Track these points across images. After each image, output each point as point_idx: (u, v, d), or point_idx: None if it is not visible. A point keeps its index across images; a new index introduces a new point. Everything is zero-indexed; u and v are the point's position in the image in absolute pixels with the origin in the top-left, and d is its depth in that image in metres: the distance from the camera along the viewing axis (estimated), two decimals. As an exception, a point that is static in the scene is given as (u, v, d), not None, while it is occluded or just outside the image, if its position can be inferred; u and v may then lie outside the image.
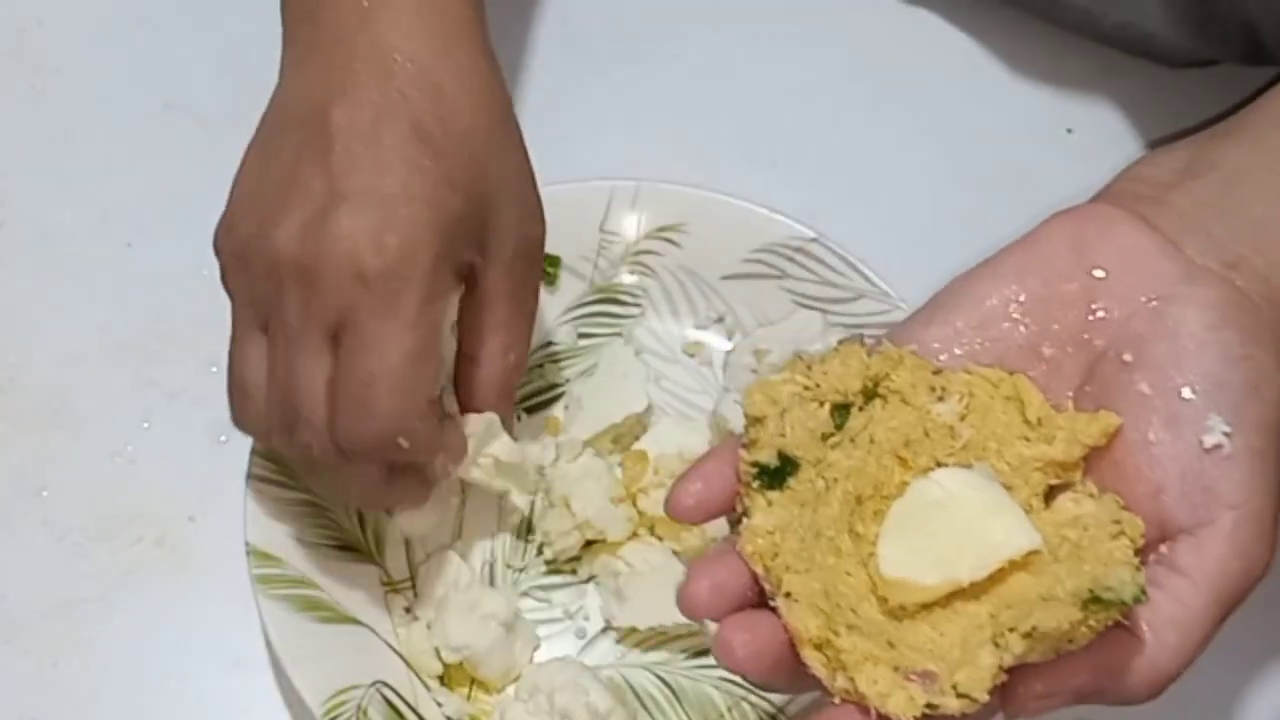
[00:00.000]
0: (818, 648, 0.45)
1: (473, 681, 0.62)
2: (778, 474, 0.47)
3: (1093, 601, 0.44)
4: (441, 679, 0.62)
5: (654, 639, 0.63)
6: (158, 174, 0.74)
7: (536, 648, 0.63)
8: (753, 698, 0.62)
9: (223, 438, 0.67)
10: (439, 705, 0.60)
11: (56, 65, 0.77)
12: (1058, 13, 0.77)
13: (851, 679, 0.44)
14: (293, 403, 0.55)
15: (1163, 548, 0.46)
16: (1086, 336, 0.49)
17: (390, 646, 0.61)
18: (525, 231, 0.59)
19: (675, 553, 0.64)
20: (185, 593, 0.64)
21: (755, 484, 0.47)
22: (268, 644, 0.61)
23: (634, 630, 0.63)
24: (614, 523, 0.64)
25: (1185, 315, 0.48)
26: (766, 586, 0.46)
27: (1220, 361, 0.47)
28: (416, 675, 0.61)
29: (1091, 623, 0.44)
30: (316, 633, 0.59)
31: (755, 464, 0.47)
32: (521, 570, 0.65)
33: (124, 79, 0.76)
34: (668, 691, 0.62)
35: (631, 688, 0.62)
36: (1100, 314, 0.49)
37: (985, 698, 0.43)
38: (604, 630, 0.64)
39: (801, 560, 0.46)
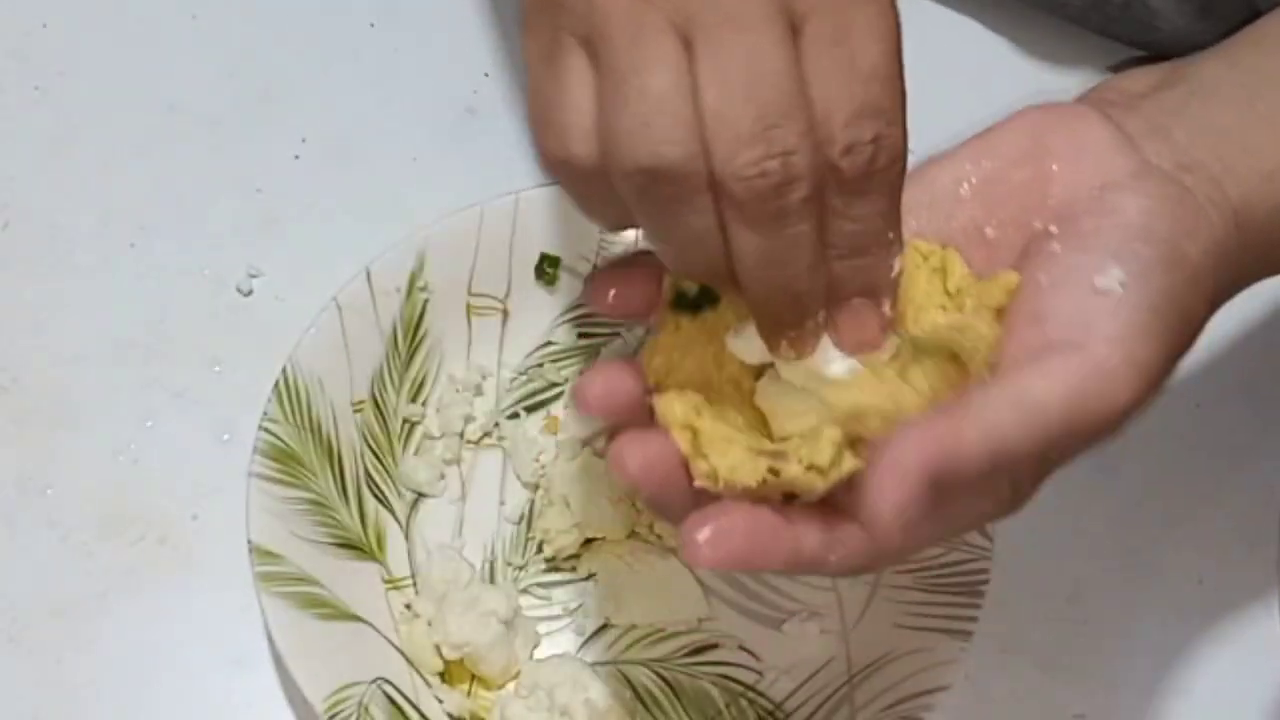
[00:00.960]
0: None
1: (473, 678, 0.62)
2: (695, 302, 0.48)
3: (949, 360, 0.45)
4: (442, 676, 0.62)
5: (653, 636, 0.63)
6: (161, 175, 0.74)
7: (536, 645, 0.63)
8: (750, 694, 0.62)
9: (225, 437, 0.67)
10: (440, 702, 0.60)
11: (60, 67, 0.77)
12: None
13: (706, 456, 0.44)
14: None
15: (1032, 361, 0.45)
16: (1028, 220, 0.49)
17: (391, 644, 0.62)
18: None
19: (674, 551, 0.65)
20: (188, 591, 0.64)
21: (672, 306, 0.48)
22: (270, 641, 0.61)
23: (633, 627, 0.63)
24: (613, 521, 0.64)
25: (1121, 200, 0.47)
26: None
27: (1140, 239, 0.46)
28: (417, 672, 0.61)
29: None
30: (318, 630, 0.60)
31: (677, 288, 0.48)
32: (521, 568, 0.65)
33: (127, 81, 0.77)
34: (666, 688, 0.63)
35: (630, 684, 0.63)
36: (1048, 202, 0.49)
37: (828, 467, 0.43)
38: (603, 627, 0.64)
39: (693, 383, 0.47)
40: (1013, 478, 0.46)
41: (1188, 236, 0.47)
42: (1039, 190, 0.49)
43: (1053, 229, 0.48)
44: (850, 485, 0.43)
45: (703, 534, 0.43)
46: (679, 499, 0.45)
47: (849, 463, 0.43)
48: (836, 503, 0.44)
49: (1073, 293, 0.46)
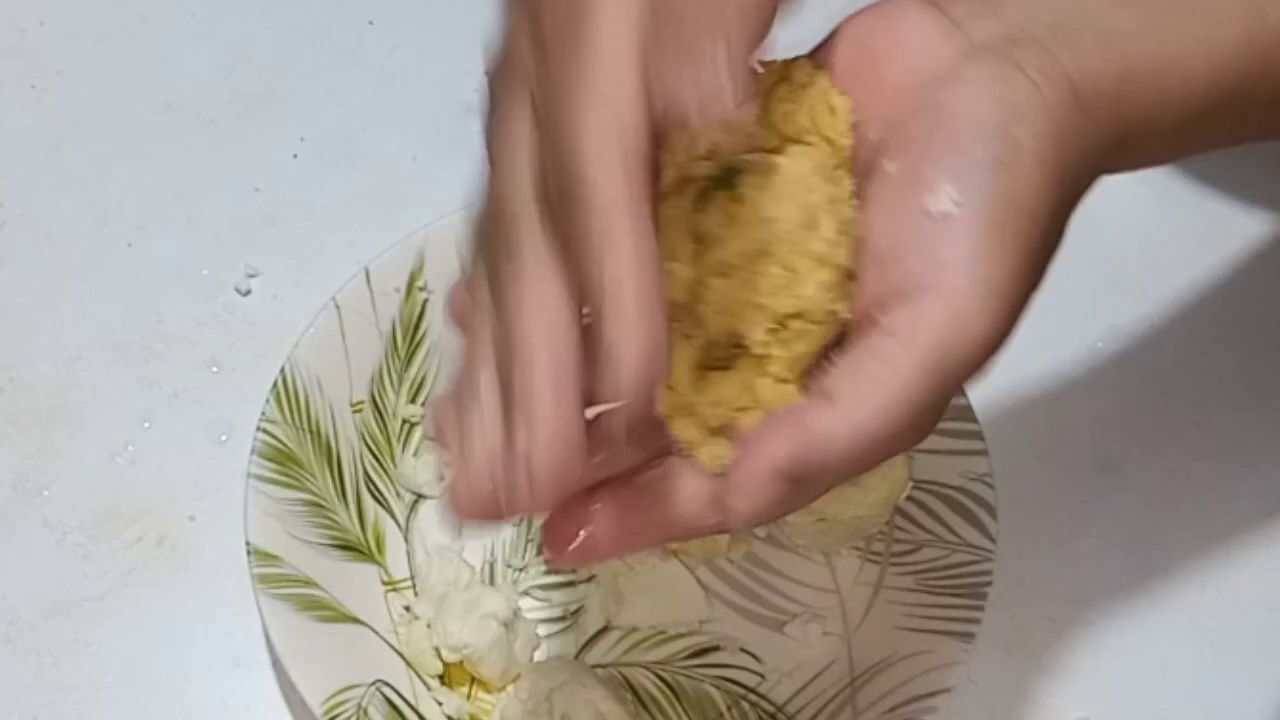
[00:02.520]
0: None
1: (473, 680, 0.62)
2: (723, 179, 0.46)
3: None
4: (442, 678, 0.62)
5: (653, 638, 0.63)
6: (158, 174, 0.74)
7: (536, 647, 0.63)
8: (752, 697, 0.62)
9: (223, 437, 0.67)
10: (439, 704, 0.60)
11: (57, 65, 0.77)
12: None
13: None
14: None
15: (882, 318, 0.44)
16: (863, 131, 0.46)
17: (390, 646, 0.61)
18: None
19: (675, 553, 0.64)
20: (185, 592, 0.64)
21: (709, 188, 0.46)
22: (268, 643, 0.61)
23: (634, 630, 0.63)
24: (614, 522, 0.64)
25: (945, 95, 0.45)
26: None
27: (970, 136, 0.44)
28: (417, 674, 0.61)
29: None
30: (317, 632, 0.59)
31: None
32: (521, 569, 0.65)
33: (125, 79, 0.77)
34: (667, 691, 0.62)
35: (631, 687, 0.62)
36: (878, 111, 0.46)
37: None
38: (604, 630, 0.64)
39: None
40: (893, 441, 0.44)
41: (1019, 121, 0.44)
42: (871, 100, 0.46)
43: (886, 139, 0.45)
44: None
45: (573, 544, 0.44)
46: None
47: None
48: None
49: (909, 224, 0.44)
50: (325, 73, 0.77)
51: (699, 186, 0.45)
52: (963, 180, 0.43)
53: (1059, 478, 0.68)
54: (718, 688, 0.62)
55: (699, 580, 0.64)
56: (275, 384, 0.63)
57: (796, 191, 0.44)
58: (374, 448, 0.66)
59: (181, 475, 0.67)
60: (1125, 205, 0.76)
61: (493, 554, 0.65)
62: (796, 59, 0.47)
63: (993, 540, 0.62)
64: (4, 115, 0.75)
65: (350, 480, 0.64)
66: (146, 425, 0.68)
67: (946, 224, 0.43)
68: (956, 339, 0.43)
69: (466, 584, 0.63)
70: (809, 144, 0.45)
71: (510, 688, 0.62)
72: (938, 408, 0.45)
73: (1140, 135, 0.47)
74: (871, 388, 0.43)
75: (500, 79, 0.45)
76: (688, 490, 0.44)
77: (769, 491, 0.42)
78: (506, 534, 0.65)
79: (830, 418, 0.42)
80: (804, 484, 0.43)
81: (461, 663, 0.61)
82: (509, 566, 0.65)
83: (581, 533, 0.44)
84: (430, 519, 0.65)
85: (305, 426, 0.63)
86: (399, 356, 0.67)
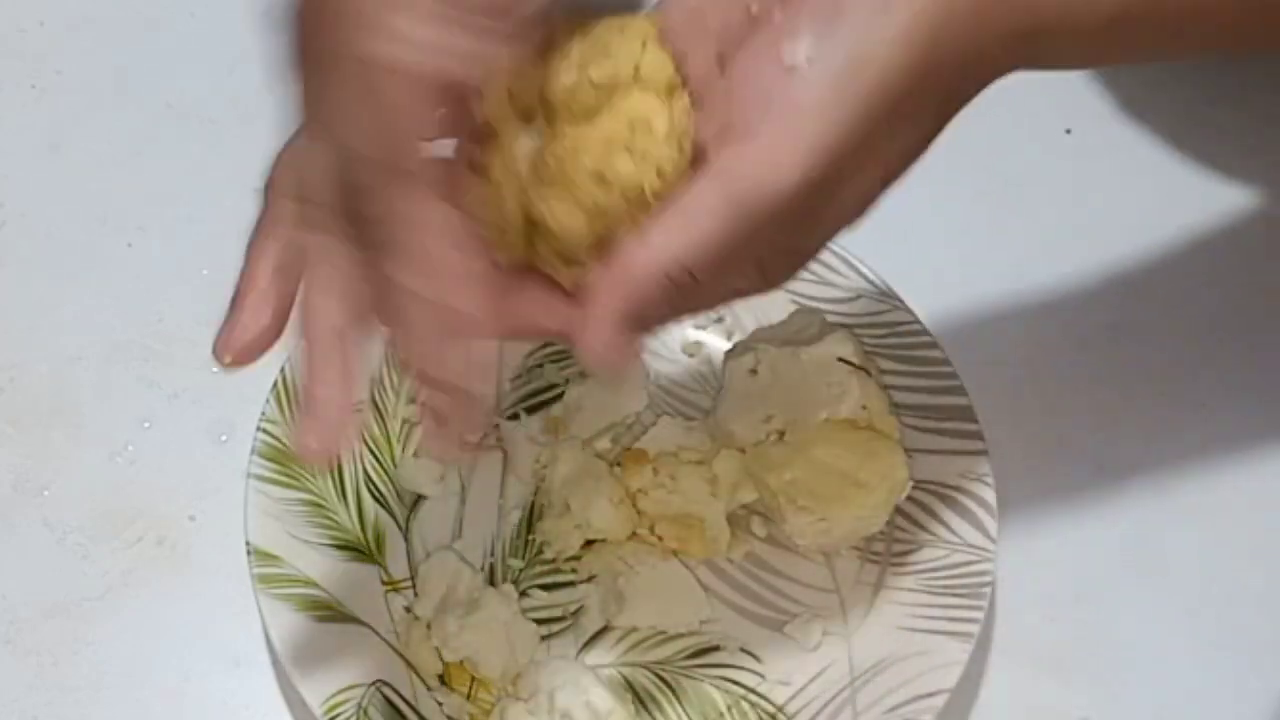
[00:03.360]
0: None
1: (473, 680, 0.62)
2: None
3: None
4: (442, 678, 0.62)
5: (653, 638, 0.63)
6: (158, 174, 0.74)
7: (536, 647, 0.63)
8: (752, 697, 0.62)
9: (223, 437, 0.67)
10: (439, 704, 0.60)
11: (57, 65, 0.77)
12: None
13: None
14: None
15: (711, 157, 0.46)
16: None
17: (391, 646, 0.61)
18: None
19: (675, 553, 0.64)
20: (186, 592, 0.64)
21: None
22: (268, 643, 0.61)
23: (634, 630, 0.63)
24: (614, 523, 0.64)
25: None
26: None
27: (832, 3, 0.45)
28: (417, 674, 0.61)
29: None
30: (317, 632, 0.59)
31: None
32: (521, 569, 0.65)
33: (125, 79, 0.76)
34: (668, 691, 0.62)
35: (631, 687, 0.62)
36: None
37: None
38: (604, 629, 0.64)
39: None
40: (724, 274, 0.47)
41: None
42: None
43: (754, 8, 0.47)
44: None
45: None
46: None
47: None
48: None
49: (760, 71, 0.45)
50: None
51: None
52: (823, 37, 0.45)
53: (1059, 478, 0.68)
54: (718, 688, 0.62)
55: (699, 580, 0.64)
56: (275, 384, 0.63)
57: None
58: (374, 448, 0.65)
59: (181, 475, 0.67)
60: (1126, 204, 0.76)
61: (493, 554, 0.65)
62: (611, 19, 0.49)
63: (993, 540, 0.62)
64: (4, 115, 0.75)
65: (350, 480, 0.64)
66: (146, 425, 0.68)
67: (791, 76, 0.45)
68: (765, 184, 0.45)
69: (466, 584, 0.63)
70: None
71: (510, 688, 0.62)
72: (751, 249, 0.47)
73: (1053, 31, 0.48)
74: (679, 220, 0.46)
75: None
76: (552, 300, 0.49)
77: (614, 334, 0.46)
78: (506, 534, 0.65)
79: (642, 257, 0.46)
80: (641, 318, 0.47)
81: (462, 663, 0.61)
82: (509, 566, 0.65)
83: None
84: (430, 519, 0.65)
85: (305, 426, 0.63)
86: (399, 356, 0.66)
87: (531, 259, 0.49)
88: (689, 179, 0.46)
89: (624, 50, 0.47)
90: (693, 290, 0.46)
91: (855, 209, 0.48)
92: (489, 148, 0.48)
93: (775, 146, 0.45)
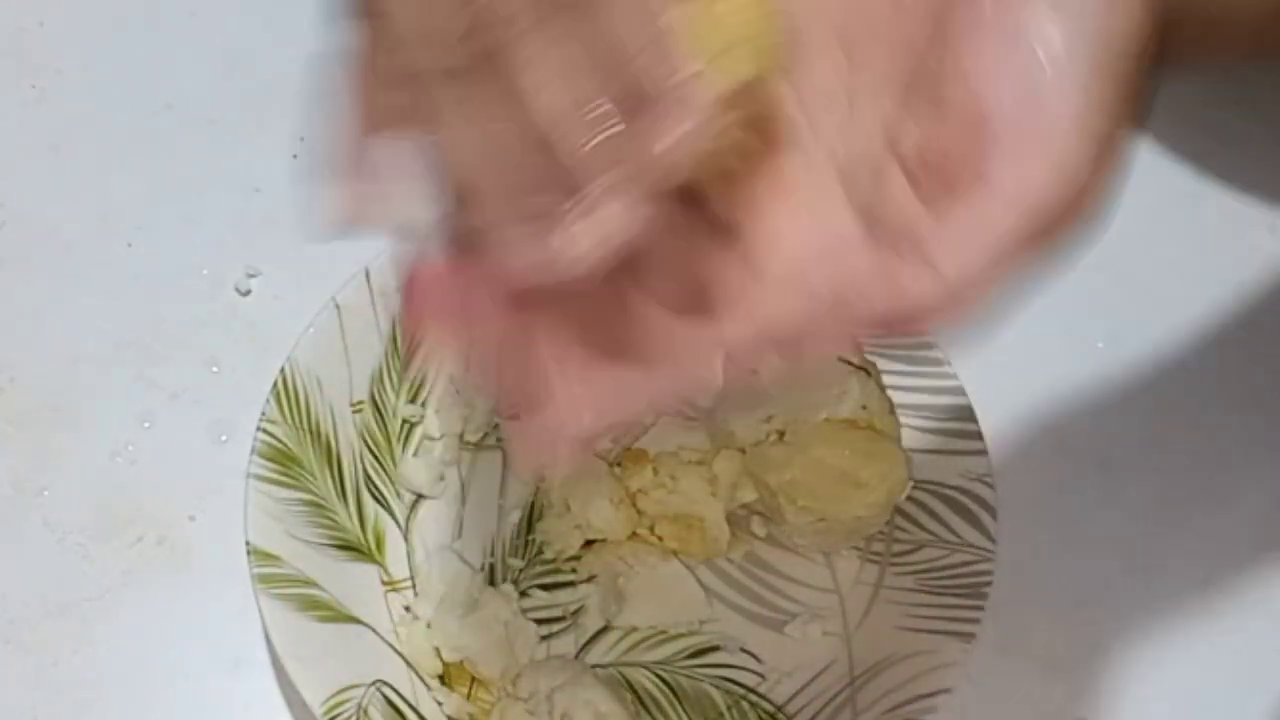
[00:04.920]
0: None
1: (473, 680, 0.62)
2: None
3: None
4: (442, 678, 0.62)
5: (653, 638, 0.63)
6: (158, 174, 0.74)
7: (536, 647, 0.63)
8: (752, 697, 0.62)
9: (223, 437, 0.67)
10: (439, 704, 0.60)
11: (57, 66, 0.77)
12: None
13: None
14: None
15: (984, 173, 0.42)
16: None
17: (390, 646, 0.61)
18: None
19: (675, 553, 0.64)
20: (185, 592, 0.64)
21: None
22: (268, 643, 0.61)
23: (634, 630, 0.63)
24: (614, 523, 0.64)
25: None
26: None
27: None
28: (417, 674, 0.61)
29: None
30: (317, 632, 0.59)
31: None
32: (521, 569, 0.65)
33: (125, 79, 0.76)
34: (667, 691, 0.62)
35: (631, 687, 0.62)
36: None
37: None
38: (603, 629, 0.64)
39: None
40: (983, 301, 0.44)
41: None
42: None
43: None
44: None
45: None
46: None
47: None
48: None
49: (1010, 66, 0.42)
50: (325, 73, 0.77)
51: None
52: (1066, 15, 0.41)
53: (1059, 478, 0.68)
54: (718, 688, 0.62)
55: (699, 580, 0.64)
56: (275, 384, 0.63)
57: None
58: (374, 448, 0.66)
59: (181, 475, 0.67)
60: (1127, 206, 0.76)
61: (493, 554, 0.65)
62: None
63: (993, 540, 0.62)
64: (3, 115, 0.75)
65: (350, 480, 0.64)
66: (146, 425, 0.68)
67: (1051, 69, 0.42)
68: (1060, 197, 0.42)
69: (467, 584, 0.63)
70: None
71: (510, 688, 0.62)
72: (1033, 264, 0.44)
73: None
74: (971, 253, 0.42)
75: None
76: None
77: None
78: (506, 534, 0.65)
79: (928, 284, 0.42)
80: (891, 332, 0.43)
81: (462, 663, 0.61)
82: (509, 566, 0.65)
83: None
84: (430, 519, 0.65)
85: (305, 426, 0.63)
86: (399, 356, 0.67)
87: None
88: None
89: None
90: (963, 315, 0.44)
91: (1103, 201, 0.45)
92: None
93: (1067, 160, 0.42)
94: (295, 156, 0.75)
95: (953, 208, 0.43)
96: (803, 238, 0.44)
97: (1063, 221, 0.43)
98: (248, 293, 0.71)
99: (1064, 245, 0.45)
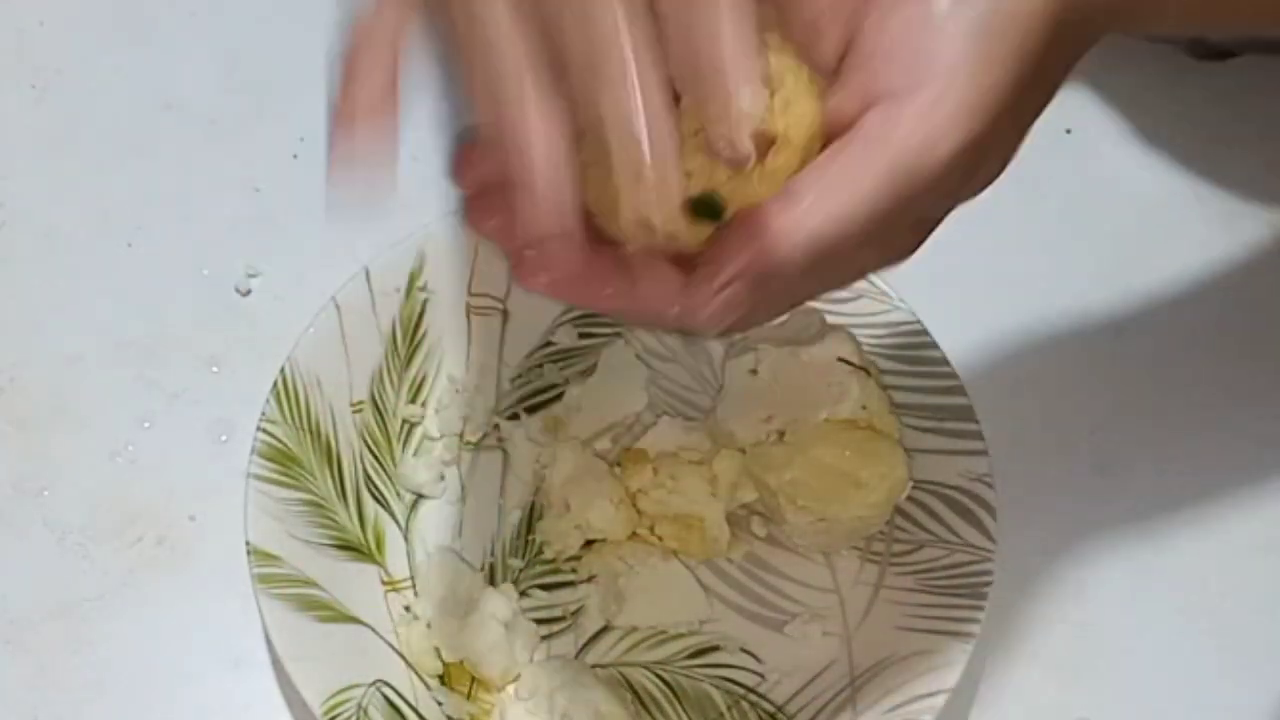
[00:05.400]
0: None
1: (473, 680, 0.62)
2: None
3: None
4: (442, 678, 0.62)
5: (653, 638, 0.63)
6: (158, 174, 0.74)
7: (536, 647, 0.63)
8: (752, 697, 0.62)
9: (223, 438, 0.67)
10: (439, 704, 0.60)
11: (57, 65, 0.77)
12: None
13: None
14: None
15: (859, 119, 0.43)
16: None
17: (390, 646, 0.61)
18: None
19: (675, 553, 0.64)
20: (186, 592, 0.64)
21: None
22: (268, 643, 0.61)
23: (634, 630, 0.63)
24: (614, 523, 0.64)
25: None
26: None
27: None
28: (417, 674, 0.61)
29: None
30: (317, 632, 0.59)
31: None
32: (521, 569, 0.65)
33: (124, 79, 0.76)
34: (667, 691, 0.62)
35: (631, 687, 0.62)
36: None
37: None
38: (603, 629, 0.64)
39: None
40: (864, 247, 0.44)
41: None
42: None
43: None
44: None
45: (532, 253, 0.43)
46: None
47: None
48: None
49: (903, 23, 0.43)
50: (325, 72, 0.77)
51: None
52: None
53: (1059, 478, 0.68)
54: (718, 688, 0.62)
55: (699, 580, 0.64)
56: (275, 384, 0.63)
57: None
58: (374, 448, 0.65)
59: (181, 475, 0.67)
60: (1126, 205, 0.76)
61: (493, 554, 0.65)
62: None
63: (993, 540, 0.62)
64: (4, 115, 0.75)
65: (350, 480, 0.64)
66: (146, 425, 0.68)
67: (939, 26, 0.43)
68: (924, 150, 0.43)
69: (467, 584, 0.63)
70: None
71: (510, 688, 0.62)
72: (904, 220, 0.44)
73: None
74: (832, 190, 0.43)
75: None
76: (660, 271, 0.44)
77: (730, 292, 0.43)
78: (506, 534, 0.65)
79: (789, 218, 0.42)
80: (762, 287, 0.43)
81: (462, 663, 0.61)
82: (509, 566, 0.65)
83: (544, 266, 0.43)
84: (430, 519, 0.65)
85: (305, 426, 0.63)
86: (399, 356, 0.67)
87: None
88: (818, 144, 0.44)
89: None
90: (828, 264, 0.43)
91: (997, 172, 0.46)
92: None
93: (935, 109, 0.42)
94: (295, 157, 0.75)
95: (829, 156, 0.43)
96: None
97: (934, 175, 0.43)
98: (248, 293, 0.71)
99: (954, 203, 0.45)
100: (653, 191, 0.42)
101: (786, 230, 0.42)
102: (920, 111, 0.43)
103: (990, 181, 0.46)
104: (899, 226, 0.44)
